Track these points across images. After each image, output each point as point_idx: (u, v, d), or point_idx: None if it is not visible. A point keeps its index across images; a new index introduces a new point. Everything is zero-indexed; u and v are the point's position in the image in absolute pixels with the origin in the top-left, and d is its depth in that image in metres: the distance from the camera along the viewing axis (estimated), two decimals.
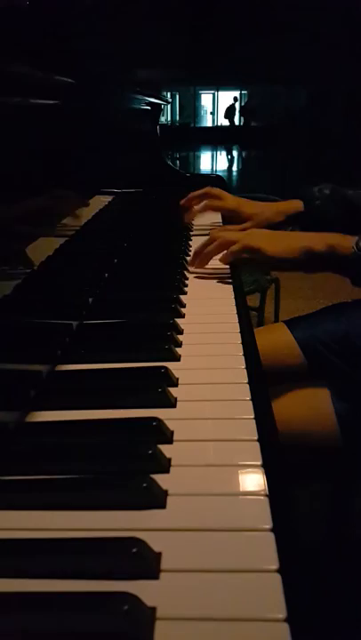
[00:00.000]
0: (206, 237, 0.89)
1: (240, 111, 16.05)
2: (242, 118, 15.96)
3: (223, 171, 9.97)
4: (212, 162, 12.37)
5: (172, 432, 0.45)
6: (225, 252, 0.84)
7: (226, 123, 16.48)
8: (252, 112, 15.11)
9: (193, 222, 1.23)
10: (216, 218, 1.25)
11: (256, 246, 0.80)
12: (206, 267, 0.89)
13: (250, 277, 1.91)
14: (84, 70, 0.86)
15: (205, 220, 1.23)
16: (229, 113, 16.20)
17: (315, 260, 0.79)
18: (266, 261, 0.82)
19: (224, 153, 14.14)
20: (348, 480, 0.97)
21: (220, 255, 0.86)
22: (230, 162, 12.37)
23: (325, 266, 0.80)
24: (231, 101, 16.38)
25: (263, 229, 0.87)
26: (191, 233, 1.17)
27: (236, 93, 16.49)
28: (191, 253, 0.92)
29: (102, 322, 0.68)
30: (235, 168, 11.12)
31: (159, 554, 0.33)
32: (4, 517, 0.37)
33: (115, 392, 0.52)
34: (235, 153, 14.06)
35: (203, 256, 0.87)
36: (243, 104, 16.29)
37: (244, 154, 13.87)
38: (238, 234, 0.86)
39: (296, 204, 1.06)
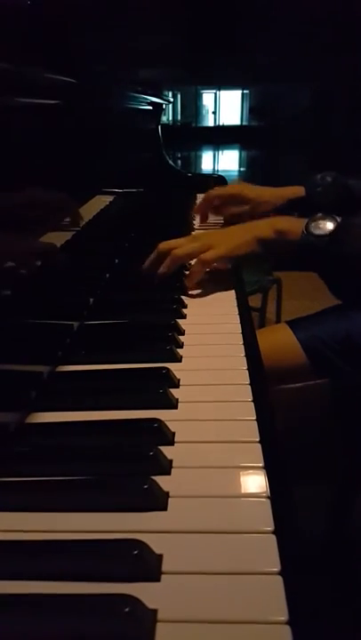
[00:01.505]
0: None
1: (249, 111, 16.02)
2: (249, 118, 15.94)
3: (233, 170, 9.95)
4: (213, 162, 12.36)
5: (174, 433, 0.45)
6: (190, 278, 0.80)
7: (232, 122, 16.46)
8: (262, 112, 15.07)
9: (194, 222, 1.23)
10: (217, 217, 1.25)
11: (212, 257, 0.77)
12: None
13: (252, 278, 1.91)
14: (86, 70, 0.86)
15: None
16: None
17: (268, 248, 0.77)
18: (228, 262, 0.81)
19: (226, 152, 14.12)
20: (349, 482, 0.97)
21: (189, 280, 0.80)
22: (250, 162, 12.35)
23: (279, 252, 0.79)
24: (236, 101, 16.36)
25: (211, 231, 0.84)
26: (193, 233, 1.17)
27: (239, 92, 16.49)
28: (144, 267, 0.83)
29: (103, 322, 0.68)
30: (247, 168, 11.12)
31: (160, 556, 0.33)
32: (4, 519, 0.37)
33: (116, 393, 0.52)
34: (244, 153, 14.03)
35: (157, 277, 0.80)
36: (251, 104, 16.27)
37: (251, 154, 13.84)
38: (187, 245, 0.79)
39: (298, 190, 1.07)
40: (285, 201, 1.07)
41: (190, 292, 0.79)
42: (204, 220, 1.21)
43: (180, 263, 0.79)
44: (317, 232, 0.75)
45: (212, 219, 1.21)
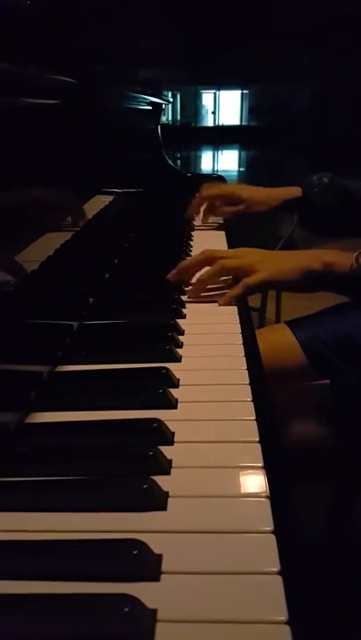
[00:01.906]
0: (206, 237, 0.88)
1: (249, 111, 16.03)
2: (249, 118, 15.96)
3: (232, 170, 9.94)
4: (213, 161, 12.36)
5: (173, 433, 0.45)
6: (225, 296, 0.75)
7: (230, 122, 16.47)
8: (262, 112, 15.08)
9: (194, 222, 1.23)
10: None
11: (255, 282, 0.74)
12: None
13: None
14: (85, 70, 0.86)
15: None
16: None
17: (313, 280, 0.75)
18: (263, 288, 0.80)
19: (225, 152, 14.12)
20: (349, 482, 0.97)
21: (220, 298, 0.76)
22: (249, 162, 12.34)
23: (324, 285, 0.77)
24: (236, 101, 16.38)
25: (255, 250, 0.79)
26: (192, 233, 1.17)
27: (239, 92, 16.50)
28: (180, 267, 0.81)
29: (103, 322, 0.68)
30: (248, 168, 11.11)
31: (160, 556, 0.33)
32: (4, 519, 0.37)
33: (115, 393, 0.52)
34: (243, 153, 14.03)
35: (197, 285, 0.78)
36: (250, 104, 16.28)
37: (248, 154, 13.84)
38: (235, 260, 0.77)
39: (294, 191, 1.07)
40: (282, 201, 1.07)
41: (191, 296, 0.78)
42: (206, 219, 1.21)
43: (222, 276, 0.78)
44: None
45: (212, 217, 1.21)
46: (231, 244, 1.08)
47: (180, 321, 0.68)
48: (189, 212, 1.19)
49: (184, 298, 0.76)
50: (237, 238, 1.12)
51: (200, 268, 0.79)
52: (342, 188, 1.03)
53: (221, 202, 1.15)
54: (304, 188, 1.06)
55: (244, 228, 1.20)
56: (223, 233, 1.16)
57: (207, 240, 1.11)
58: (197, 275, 0.79)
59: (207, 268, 0.78)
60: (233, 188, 1.13)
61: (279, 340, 0.93)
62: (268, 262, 0.76)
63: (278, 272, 0.75)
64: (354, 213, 1.04)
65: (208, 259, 0.78)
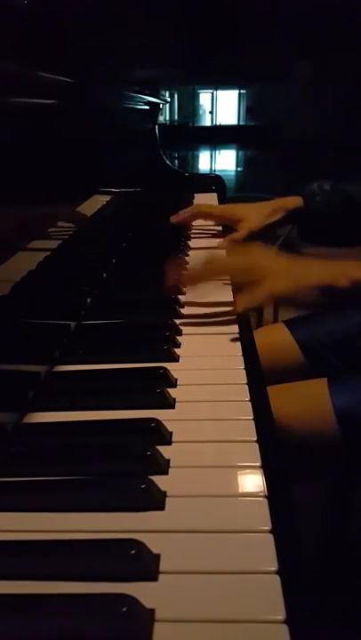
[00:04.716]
0: (204, 238, 0.87)
1: (246, 111, 16.03)
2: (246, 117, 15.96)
3: (230, 170, 9.94)
4: (210, 161, 12.36)
5: (171, 433, 0.45)
6: (242, 302, 0.68)
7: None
8: (259, 112, 15.08)
9: (193, 223, 1.23)
10: None
11: (268, 296, 0.67)
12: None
13: None
14: (82, 69, 0.86)
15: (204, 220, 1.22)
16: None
17: (337, 299, 0.67)
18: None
19: (223, 152, 14.12)
20: (347, 481, 0.97)
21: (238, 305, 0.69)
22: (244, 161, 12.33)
23: (350, 304, 0.70)
24: (233, 100, 16.40)
25: (270, 255, 0.70)
26: (190, 233, 1.17)
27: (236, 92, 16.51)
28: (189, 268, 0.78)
29: (101, 322, 0.68)
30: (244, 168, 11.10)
31: (158, 555, 0.33)
32: (1, 519, 0.37)
33: (113, 393, 0.52)
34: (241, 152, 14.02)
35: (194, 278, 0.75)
36: (247, 104, 16.28)
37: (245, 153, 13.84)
38: (243, 260, 0.70)
39: (295, 201, 1.02)
40: (284, 213, 1.01)
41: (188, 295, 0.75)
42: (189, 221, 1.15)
43: (226, 275, 0.72)
44: None
45: (209, 223, 1.20)
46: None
47: (177, 321, 0.68)
48: (175, 219, 1.12)
49: (182, 298, 0.76)
50: None
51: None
52: (344, 194, 0.99)
53: (215, 222, 1.11)
54: (305, 197, 1.01)
55: None
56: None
57: (205, 240, 1.11)
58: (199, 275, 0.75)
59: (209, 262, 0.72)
60: (220, 211, 1.08)
61: (277, 340, 0.93)
62: (282, 273, 0.67)
63: (295, 288, 0.66)
64: (358, 219, 0.99)
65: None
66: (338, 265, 0.67)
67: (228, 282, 0.83)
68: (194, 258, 0.76)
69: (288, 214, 1.02)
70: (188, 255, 0.98)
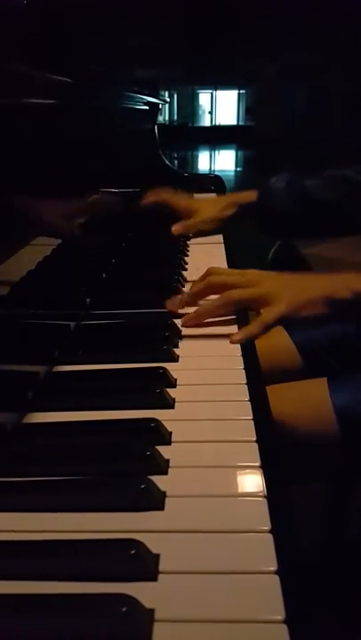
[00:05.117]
0: (203, 238, 0.86)
1: (245, 111, 16.04)
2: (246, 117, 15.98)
3: (229, 170, 9.93)
4: (210, 161, 12.36)
5: (171, 433, 0.45)
6: (239, 333, 0.64)
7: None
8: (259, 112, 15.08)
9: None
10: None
11: (274, 319, 0.64)
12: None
13: None
14: (82, 70, 0.86)
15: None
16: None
17: (340, 311, 0.66)
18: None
19: (222, 152, 14.12)
20: (347, 481, 0.97)
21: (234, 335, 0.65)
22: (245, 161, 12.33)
23: (353, 316, 0.69)
24: (232, 101, 16.41)
25: (268, 275, 0.68)
26: (189, 233, 1.17)
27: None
28: (185, 296, 0.72)
29: (100, 322, 0.68)
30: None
31: (157, 555, 0.33)
32: (1, 519, 0.37)
33: (112, 393, 0.52)
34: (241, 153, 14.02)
35: (199, 316, 0.68)
36: (247, 104, 16.29)
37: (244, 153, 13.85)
38: (247, 291, 0.66)
39: (249, 195, 1.03)
40: (237, 208, 1.02)
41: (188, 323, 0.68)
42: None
43: (233, 308, 0.67)
44: None
45: None
46: (229, 244, 1.08)
47: (177, 321, 0.67)
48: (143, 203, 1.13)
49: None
50: (235, 239, 1.11)
51: (205, 296, 0.70)
52: (302, 190, 0.99)
53: (178, 214, 1.09)
54: (259, 192, 1.02)
55: (242, 228, 1.20)
56: (220, 235, 1.16)
57: (204, 240, 1.10)
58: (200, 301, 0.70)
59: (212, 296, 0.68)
60: (184, 201, 1.10)
61: (275, 342, 0.93)
62: (285, 291, 0.65)
63: (298, 304, 0.65)
64: (313, 215, 0.99)
65: (213, 286, 0.68)
66: (339, 277, 0.67)
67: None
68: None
69: (242, 209, 1.03)
70: (187, 255, 0.98)
